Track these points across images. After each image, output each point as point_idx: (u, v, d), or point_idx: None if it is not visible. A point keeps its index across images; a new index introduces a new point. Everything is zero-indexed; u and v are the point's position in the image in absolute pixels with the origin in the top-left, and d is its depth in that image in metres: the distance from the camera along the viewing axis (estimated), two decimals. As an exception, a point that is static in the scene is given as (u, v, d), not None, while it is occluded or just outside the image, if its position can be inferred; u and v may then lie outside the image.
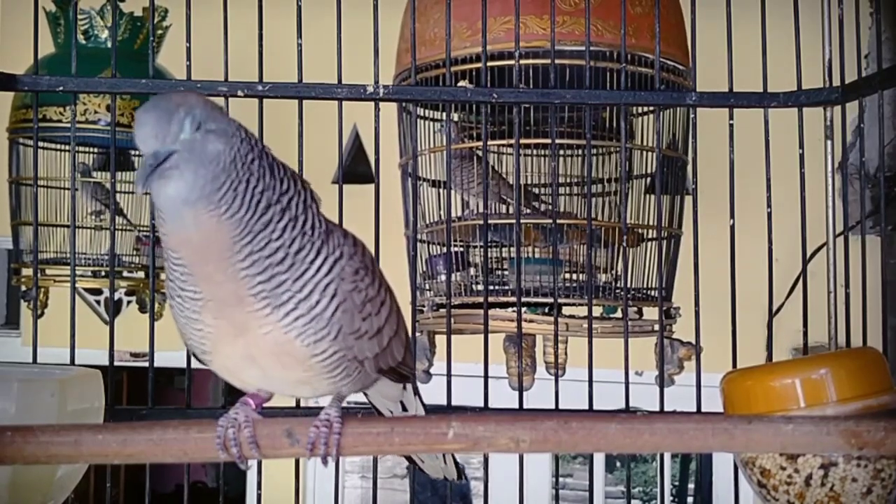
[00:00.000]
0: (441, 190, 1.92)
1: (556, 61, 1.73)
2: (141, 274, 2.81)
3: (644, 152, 1.92)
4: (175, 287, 0.98)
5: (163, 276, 1.02)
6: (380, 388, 1.22)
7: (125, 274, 2.80)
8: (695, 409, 1.67)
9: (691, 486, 4.15)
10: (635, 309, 1.89)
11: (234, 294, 0.95)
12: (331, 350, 0.99)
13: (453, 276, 1.84)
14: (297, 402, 1.69)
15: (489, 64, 1.74)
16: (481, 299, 1.75)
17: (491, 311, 1.75)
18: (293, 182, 0.99)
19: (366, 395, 1.28)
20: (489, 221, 1.77)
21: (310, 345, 0.98)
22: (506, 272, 1.96)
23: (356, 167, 3.18)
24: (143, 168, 0.91)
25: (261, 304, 0.95)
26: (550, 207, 1.83)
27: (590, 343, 1.70)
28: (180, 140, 0.92)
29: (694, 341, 1.74)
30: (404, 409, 1.29)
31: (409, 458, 1.33)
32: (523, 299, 1.75)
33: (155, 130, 0.92)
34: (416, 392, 1.28)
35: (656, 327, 1.81)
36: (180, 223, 0.93)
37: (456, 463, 1.32)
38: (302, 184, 1.01)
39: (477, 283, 1.91)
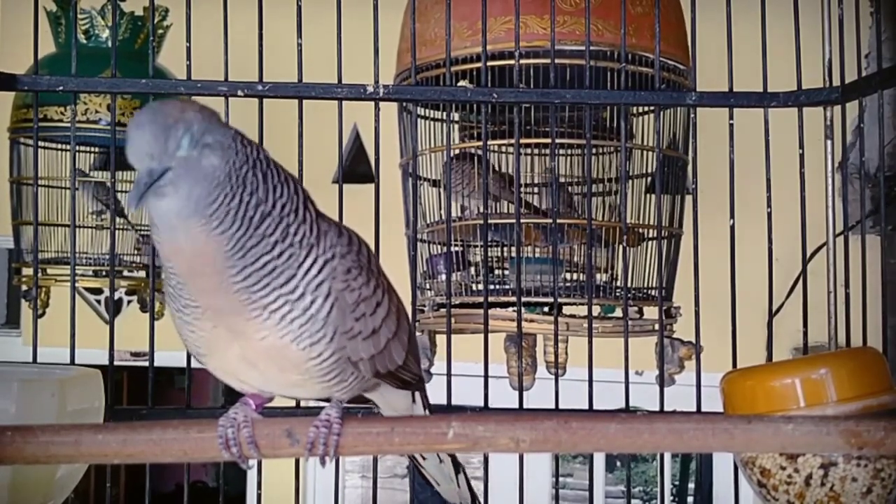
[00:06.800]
0: (441, 190, 1.92)
1: (556, 61, 1.73)
2: (141, 273, 2.81)
3: (644, 152, 1.92)
4: (173, 293, 0.98)
5: (163, 276, 1.02)
6: (387, 396, 1.21)
7: (126, 273, 2.80)
8: (695, 409, 1.67)
9: (691, 486, 4.15)
10: (635, 308, 1.89)
11: (229, 304, 0.95)
12: (327, 353, 0.99)
13: (453, 275, 1.84)
14: (297, 401, 1.69)
15: (489, 64, 1.74)
16: (481, 299, 1.75)
17: (491, 311, 1.75)
18: (287, 187, 0.97)
19: (377, 407, 1.28)
20: (489, 221, 1.77)
21: (306, 348, 0.97)
22: (506, 272, 1.96)
23: (356, 167, 3.18)
24: (136, 186, 0.89)
25: (256, 312, 0.95)
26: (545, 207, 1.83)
27: (590, 343, 1.70)
28: (176, 157, 0.90)
29: (694, 341, 1.74)
30: None
31: (426, 481, 1.32)
32: (523, 299, 1.75)
33: (150, 147, 0.89)
34: (427, 405, 1.26)
35: (656, 327, 1.81)
36: (172, 235, 0.92)
37: (470, 488, 1.30)
38: (296, 185, 0.99)
39: (477, 283, 1.91)
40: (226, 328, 0.97)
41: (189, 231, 0.91)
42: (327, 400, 1.06)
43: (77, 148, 2.04)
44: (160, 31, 2.62)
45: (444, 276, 1.84)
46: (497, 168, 2.02)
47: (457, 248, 1.89)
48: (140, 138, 0.90)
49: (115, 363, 1.67)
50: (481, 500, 1.35)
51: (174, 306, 0.99)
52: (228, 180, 0.92)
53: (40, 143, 1.83)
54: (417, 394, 1.24)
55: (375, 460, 1.68)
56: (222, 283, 0.94)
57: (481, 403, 1.69)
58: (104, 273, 2.76)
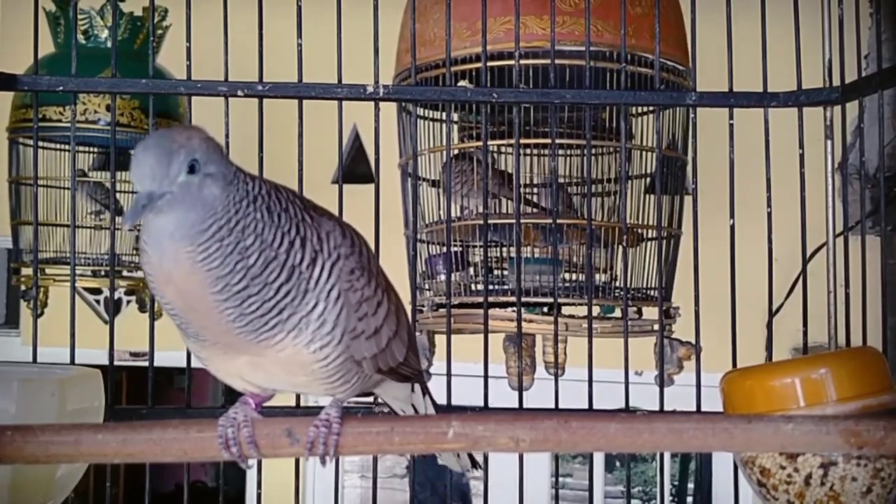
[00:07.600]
0: (440, 190, 1.92)
1: (556, 61, 1.73)
2: (141, 273, 2.81)
3: (644, 152, 1.92)
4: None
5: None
6: (387, 388, 1.22)
7: (125, 273, 2.79)
8: (695, 409, 1.67)
9: (691, 485, 4.15)
10: (635, 309, 1.89)
11: (237, 341, 0.95)
12: (334, 354, 0.99)
13: (453, 275, 1.84)
14: (297, 401, 1.69)
15: (489, 64, 1.74)
16: (481, 299, 1.75)
17: (491, 311, 1.75)
18: (288, 213, 0.97)
19: (377, 396, 1.28)
20: (489, 221, 1.77)
21: (315, 351, 0.98)
22: (505, 272, 1.96)
23: (356, 167, 3.18)
24: (134, 206, 0.90)
25: (267, 342, 0.96)
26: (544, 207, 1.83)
27: (590, 343, 1.70)
28: (178, 182, 0.91)
29: (694, 341, 1.74)
30: (416, 411, 1.28)
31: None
32: (523, 299, 1.75)
33: (153, 171, 0.90)
34: (426, 392, 1.27)
35: (656, 327, 1.81)
36: (161, 257, 0.92)
37: (470, 455, 1.32)
38: (297, 200, 1.00)
39: (477, 283, 1.91)
40: (236, 351, 0.98)
41: (177, 255, 0.91)
42: None
43: (77, 148, 2.04)
44: (160, 31, 2.62)
45: (443, 277, 1.84)
46: (496, 165, 2.02)
47: (456, 249, 1.89)
48: (144, 161, 0.91)
49: (115, 363, 1.67)
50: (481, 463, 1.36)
51: (176, 322, 0.98)
52: (226, 213, 0.92)
53: (40, 144, 1.82)
54: (417, 384, 1.25)
55: (375, 460, 1.68)
56: (220, 324, 0.94)
57: (481, 403, 1.69)
58: (103, 273, 2.76)
